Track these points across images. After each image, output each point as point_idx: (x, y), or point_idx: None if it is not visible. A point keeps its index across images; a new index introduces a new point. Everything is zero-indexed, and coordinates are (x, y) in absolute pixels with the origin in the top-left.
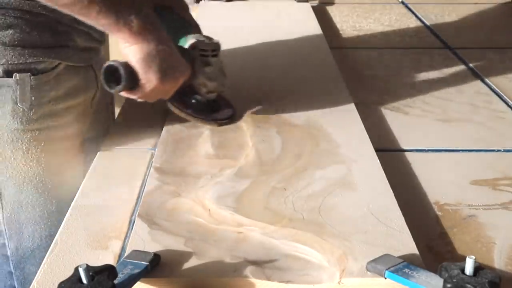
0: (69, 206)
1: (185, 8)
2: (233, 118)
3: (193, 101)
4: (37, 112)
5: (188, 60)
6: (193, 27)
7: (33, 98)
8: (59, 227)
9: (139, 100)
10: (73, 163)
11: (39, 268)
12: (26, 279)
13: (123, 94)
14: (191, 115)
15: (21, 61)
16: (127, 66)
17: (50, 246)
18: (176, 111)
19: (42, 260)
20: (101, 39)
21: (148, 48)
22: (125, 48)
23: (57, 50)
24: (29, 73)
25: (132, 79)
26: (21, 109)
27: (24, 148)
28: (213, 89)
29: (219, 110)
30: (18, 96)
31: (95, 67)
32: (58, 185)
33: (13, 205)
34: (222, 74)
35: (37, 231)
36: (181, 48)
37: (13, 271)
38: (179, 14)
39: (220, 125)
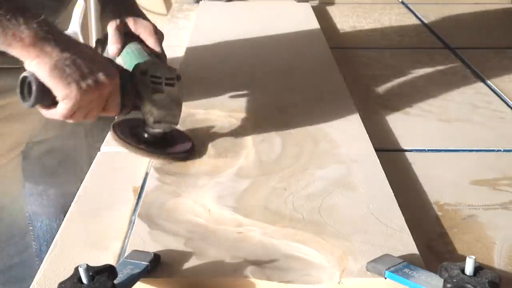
0: None
1: (158, 38)
2: (191, 152)
3: (146, 135)
4: None
5: (129, 81)
6: (157, 57)
7: None
8: None
9: (70, 121)
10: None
11: None
12: None
13: (45, 112)
14: (142, 150)
15: None
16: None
17: None
18: (122, 144)
19: None
20: None
21: (51, 60)
22: (29, 66)
23: None
24: None
25: (46, 95)
26: None
27: None
28: (160, 118)
29: (175, 145)
30: None
31: None
32: None
33: None
34: (176, 105)
35: None
36: (124, 71)
37: None
38: (144, 44)
39: (176, 160)
